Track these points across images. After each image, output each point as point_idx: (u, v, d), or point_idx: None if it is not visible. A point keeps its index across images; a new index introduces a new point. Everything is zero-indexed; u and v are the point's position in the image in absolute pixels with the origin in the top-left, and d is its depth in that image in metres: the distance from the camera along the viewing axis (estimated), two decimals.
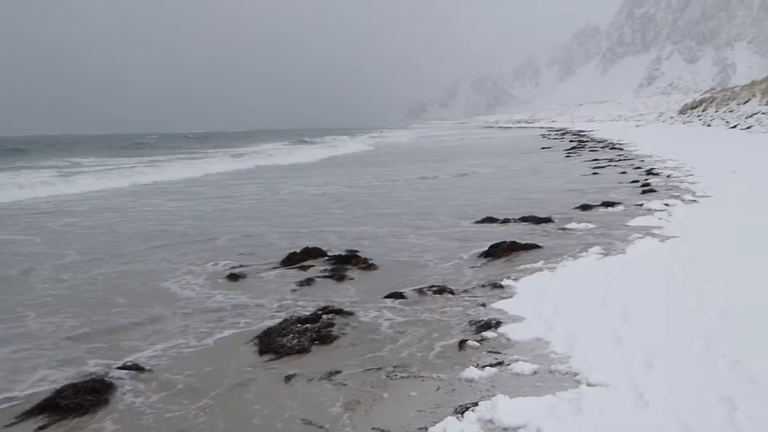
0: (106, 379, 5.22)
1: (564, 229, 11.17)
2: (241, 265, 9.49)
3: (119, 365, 5.58)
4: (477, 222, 12.55)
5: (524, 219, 12.31)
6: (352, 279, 8.56)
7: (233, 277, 8.79)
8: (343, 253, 9.70)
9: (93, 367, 5.61)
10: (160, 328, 6.76)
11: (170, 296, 8.01)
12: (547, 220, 12.08)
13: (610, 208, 13.15)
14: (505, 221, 12.31)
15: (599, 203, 13.76)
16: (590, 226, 11.26)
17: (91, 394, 4.93)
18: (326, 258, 9.58)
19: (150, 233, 12.81)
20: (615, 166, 24.43)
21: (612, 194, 15.68)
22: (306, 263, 9.38)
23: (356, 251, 9.84)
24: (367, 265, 9.08)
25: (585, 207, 13.53)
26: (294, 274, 8.88)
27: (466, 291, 7.61)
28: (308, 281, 8.41)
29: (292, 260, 9.55)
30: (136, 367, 5.50)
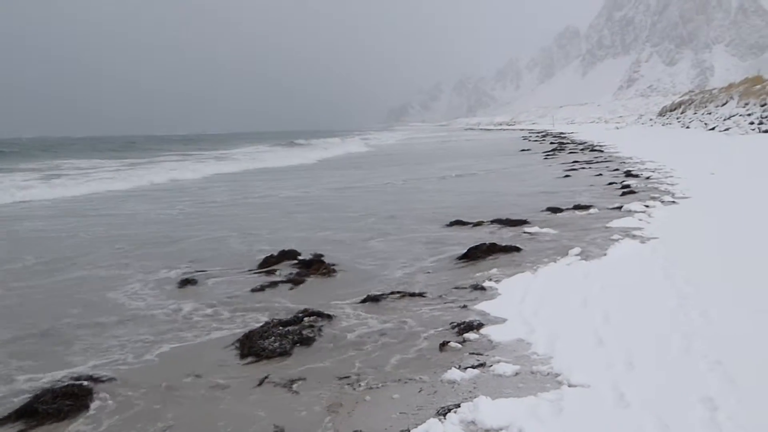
0: (85, 384, 5.16)
1: (538, 232, 11.16)
2: (197, 271, 9.30)
3: (59, 377, 5.44)
4: (447, 225, 12.49)
5: (498, 221, 12.27)
6: (307, 284, 8.41)
7: (185, 283, 8.60)
8: (309, 257, 9.54)
9: (23, 383, 5.40)
10: (115, 333, 6.68)
11: (120, 305, 7.77)
12: (523, 222, 12.09)
13: (584, 211, 13.17)
14: (479, 224, 12.27)
15: (571, 206, 13.84)
16: (565, 228, 11.32)
17: (70, 399, 4.88)
18: (294, 262, 9.42)
19: (114, 238, 12.57)
20: (590, 168, 24.55)
21: (589, 197, 15.78)
22: (273, 267, 9.24)
23: (321, 255, 9.68)
24: (328, 271, 8.90)
25: (554, 210, 13.54)
26: (250, 280, 8.72)
27: (446, 293, 7.61)
28: (262, 287, 8.22)
29: (268, 263, 9.44)
30: (110, 372, 5.45)
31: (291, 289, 8.24)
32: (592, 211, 13.12)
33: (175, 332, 6.65)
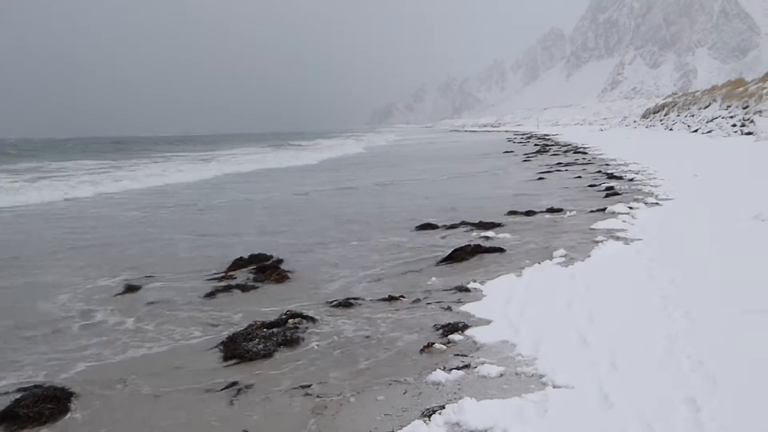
0: (66, 387, 5.11)
1: (512, 234, 11.21)
2: (145, 277, 9.17)
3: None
4: (417, 229, 12.39)
5: (470, 224, 12.24)
6: (260, 290, 8.29)
7: (130, 289, 8.44)
8: (267, 263, 9.39)
9: None
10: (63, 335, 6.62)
11: (55, 311, 7.63)
12: (498, 225, 12.09)
13: (558, 214, 13.22)
14: (453, 227, 12.23)
15: (545, 208, 13.89)
16: (546, 230, 11.37)
17: (51, 402, 4.83)
18: (251, 268, 9.23)
19: (68, 242, 12.34)
20: (567, 171, 24.67)
21: (566, 198, 15.86)
22: (231, 273, 9.08)
23: (281, 261, 9.51)
24: (281, 277, 8.72)
25: (529, 213, 13.55)
26: (199, 286, 8.55)
27: (431, 295, 7.61)
28: (212, 294, 8.08)
29: (237, 265, 9.36)
30: (98, 373, 5.39)
31: (244, 291, 8.17)
32: (570, 213, 13.16)
33: (134, 339, 6.57)
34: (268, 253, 9.79)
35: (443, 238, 11.31)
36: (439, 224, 12.52)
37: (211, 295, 8.03)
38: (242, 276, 8.92)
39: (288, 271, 8.99)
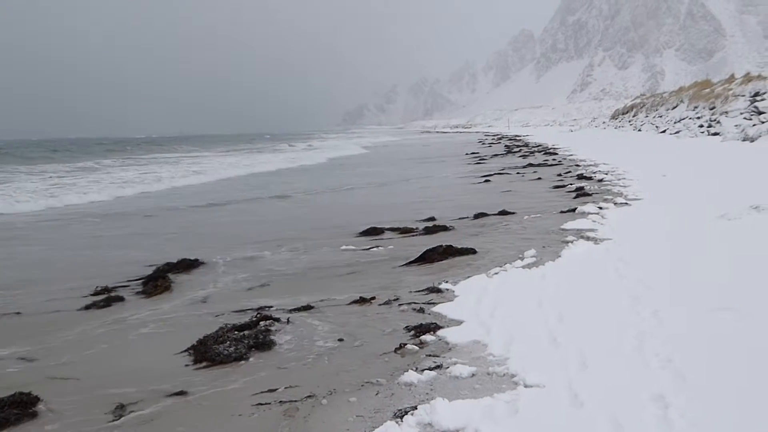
0: (33, 392, 5.04)
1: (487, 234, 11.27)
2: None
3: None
4: (361, 234, 12.26)
5: (427, 229, 12.16)
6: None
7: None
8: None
9: None
10: None
11: None
12: (446, 228, 12.14)
13: (512, 216, 13.26)
14: (408, 230, 12.22)
15: (497, 211, 13.93)
16: (510, 233, 11.43)
17: (18, 407, 4.76)
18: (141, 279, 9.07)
19: None
20: (532, 173, 24.85)
21: (543, 199, 15.97)
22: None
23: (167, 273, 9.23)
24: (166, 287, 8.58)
25: (479, 215, 13.57)
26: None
27: (403, 296, 7.61)
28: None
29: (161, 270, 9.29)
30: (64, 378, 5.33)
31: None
32: (534, 216, 13.23)
33: None
34: None
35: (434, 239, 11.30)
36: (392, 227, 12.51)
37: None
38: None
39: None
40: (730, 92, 38.28)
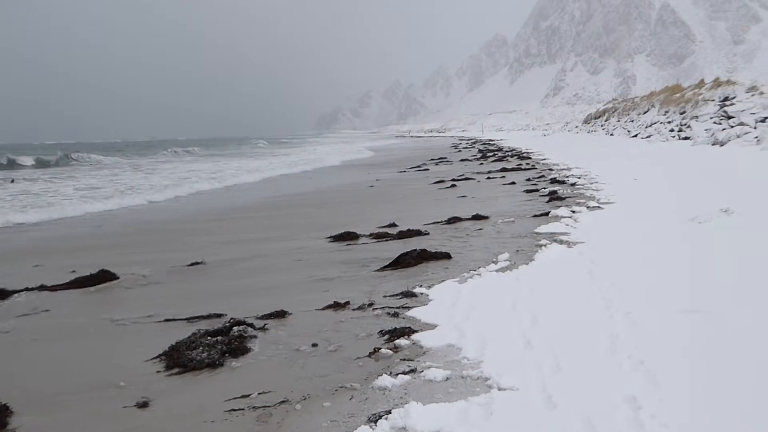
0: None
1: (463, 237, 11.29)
2: None
3: None
4: (332, 238, 12.22)
5: (401, 234, 12.03)
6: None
7: None
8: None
9: None
10: None
11: None
12: (420, 232, 12.08)
13: (482, 221, 13.26)
14: (382, 235, 12.14)
15: (470, 216, 13.98)
16: (483, 236, 11.48)
17: None
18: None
19: None
20: (501, 178, 24.99)
21: (517, 202, 16.06)
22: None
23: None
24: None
25: (453, 219, 13.44)
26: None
27: (377, 300, 7.60)
28: None
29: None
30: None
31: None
32: (510, 219, 13.28)
33: None
34: None
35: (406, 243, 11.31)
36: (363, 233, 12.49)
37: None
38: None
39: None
40: (700, 97, 38.85)
